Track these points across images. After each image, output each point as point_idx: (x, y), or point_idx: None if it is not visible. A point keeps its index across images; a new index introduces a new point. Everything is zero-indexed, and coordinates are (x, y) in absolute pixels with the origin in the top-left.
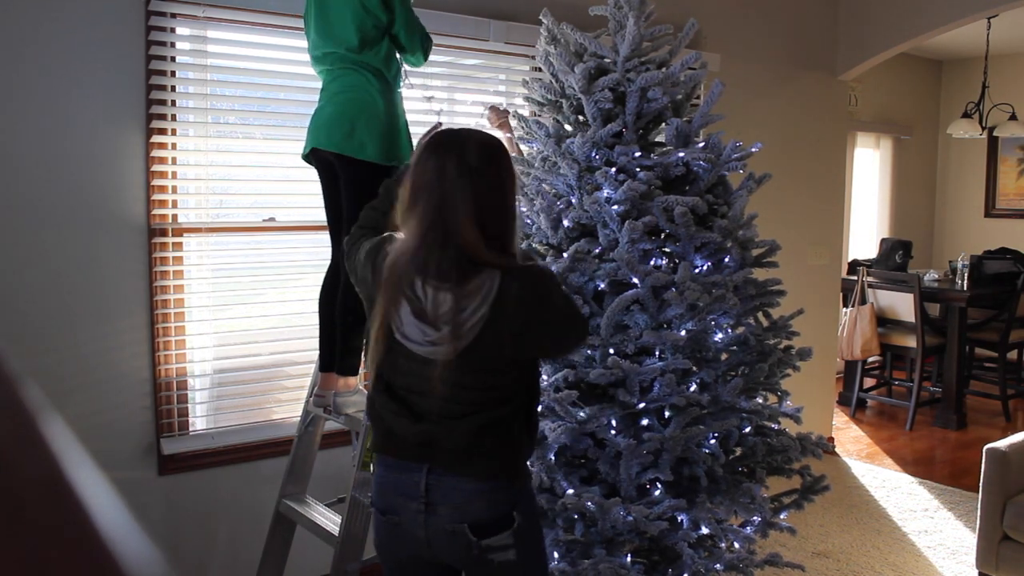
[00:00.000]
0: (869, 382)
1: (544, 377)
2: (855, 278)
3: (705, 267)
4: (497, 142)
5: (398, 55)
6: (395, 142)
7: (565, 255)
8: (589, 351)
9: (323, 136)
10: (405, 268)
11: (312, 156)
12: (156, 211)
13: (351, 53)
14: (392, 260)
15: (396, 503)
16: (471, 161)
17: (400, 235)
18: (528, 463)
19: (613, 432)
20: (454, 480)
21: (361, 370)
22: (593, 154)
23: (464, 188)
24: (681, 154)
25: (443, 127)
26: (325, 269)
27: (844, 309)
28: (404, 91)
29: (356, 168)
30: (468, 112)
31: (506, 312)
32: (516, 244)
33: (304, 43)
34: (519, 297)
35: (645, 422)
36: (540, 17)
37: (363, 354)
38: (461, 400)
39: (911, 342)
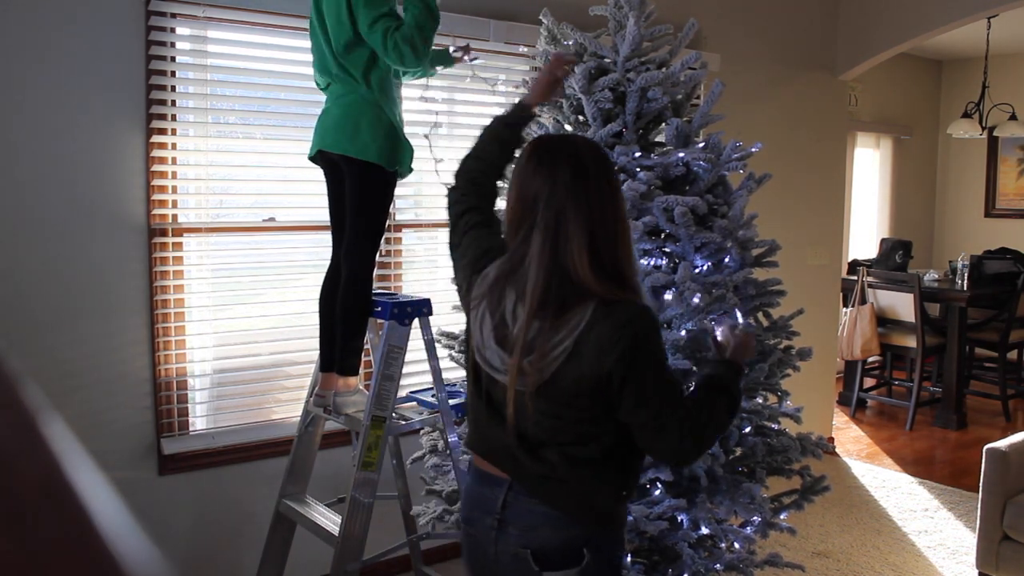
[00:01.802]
0: (869, 382)
1: None
2: (855, 278)
3: (705, 267)
4: (606, 154)
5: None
6: (396, 147)
7: None
8: None
9: (329, 138)
10: (502, 290)
11: (319, 158)
12: (156, 211)
13: (342, 60)
14: (493, 280)
15: (474, 516)
16: (584, 176)
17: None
18: (620, 509)
19: None
20: (529, 502)
21: (361, 370)
22: None
23: (577, 209)
24: (681, 154)
25: (543, 133)
26: (325, 269)
27: (844, 309)
28: (405, 90)
29: (361, 169)
30: (468, 112)
31: (589, 348)
32: (635, 275)
33: (305, 43)
34: (603, 334)
35: None
36: (540, 17)
37: (363, 354)
38: (542, 426)
39: (911, 342)
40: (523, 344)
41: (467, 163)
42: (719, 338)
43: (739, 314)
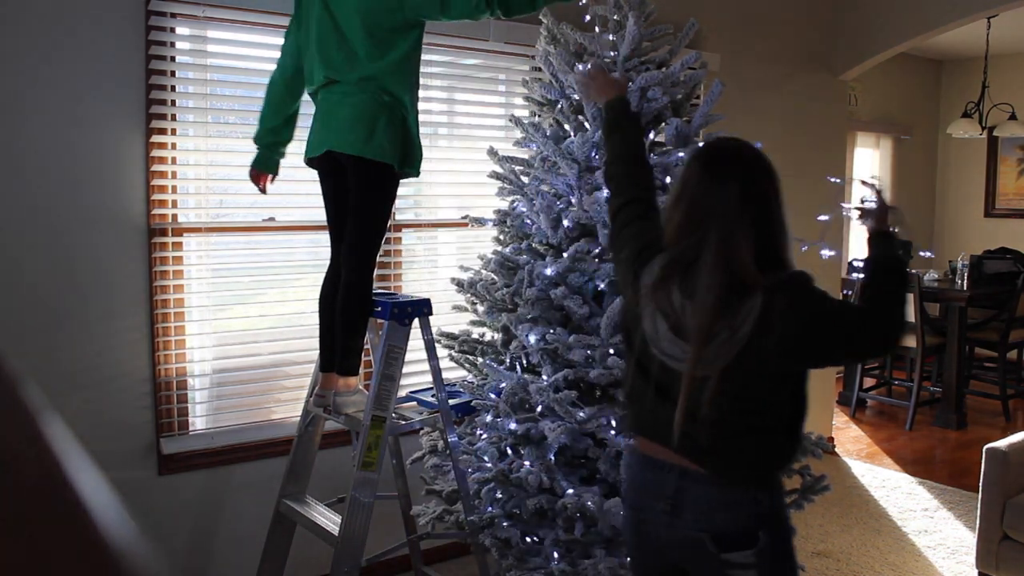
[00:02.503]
0: (869, 382)
1: (544, 377)
2: (855, 278)
3: None
4: (769, 160)
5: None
6: (409, 150)
7: (565, 255)
8: (589, 351)
9: (341, 139)
10: (670, 287)
11: (321, 158)
12: (156, 211)
13: (370, 54)
14: (659, 277)
15: (644, 502)
16: (754, 189)
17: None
18: (782, 480)
19: (613, 432)
20: (703, 487)
21: (361, 370)
22: (593, 154)
23: (747, 219)
24: (681, 154)
25: (714, 137)
26: (325, 269)
27: None
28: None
29: (372, 170)
30: (468, 112)
31: (772, 329)
32: (790, 252)
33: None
34: (784, 313)
35: None
36: (540, 17)
37: (363, 354)
38: (720, 407)
39: (911, 342)
40: (705, 333)
41: (610, 169)
42: (857, 217)
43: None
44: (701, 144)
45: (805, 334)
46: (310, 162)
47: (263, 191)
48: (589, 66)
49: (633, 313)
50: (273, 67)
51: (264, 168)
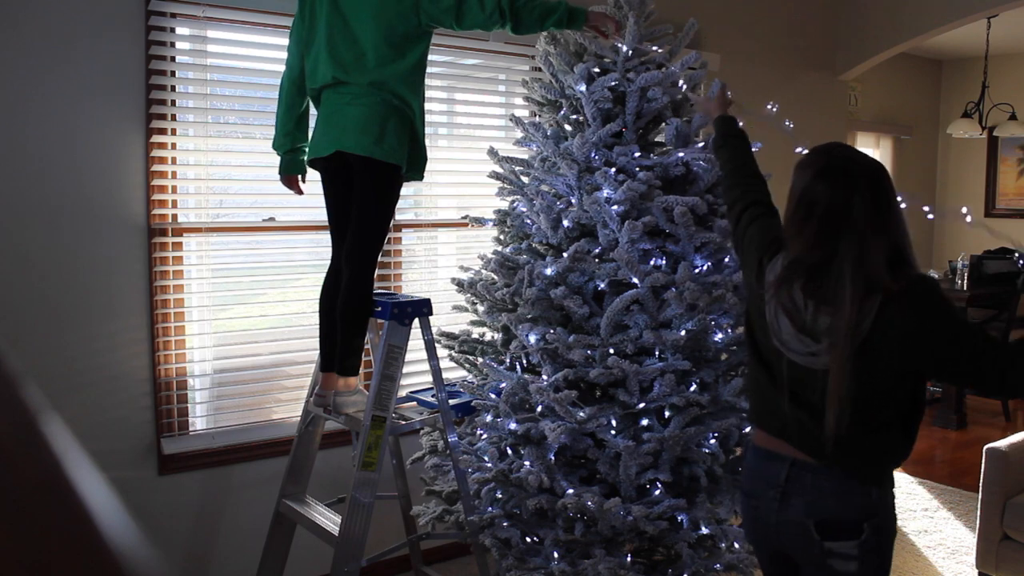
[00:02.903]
0: None
1: (544, 377)
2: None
3: (705, 267)
4: (884, 167)
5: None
6: (416, 154)
7: (565, 255)
8: (589, 351)
9: (352, 139)
10: (792, 287)
11: (326, 159)
12: (156, 211)
13: (381, 56)
14: (781, 277)
15: (757, 488)
16: (882, 197)
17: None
18: (892, 477)
19: (613, 432)
20: (814, 476)
21: (361, 370)
22: (593, 154)
23: (878, 226)
24: (681, 154)
25: (822, 146)
26: (325, 269)
27: None
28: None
29: (381, 172)
30: (468, 112)
31: (894, 328)
32: (913, 251)
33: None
34: (905, 315)
35: (645, 422)
36: None
37: (363, 355)
38: (842, 402)
39: None
40: (844, 336)
41: (727, 180)
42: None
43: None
44: (811, 154)
45: (920, 338)
46: (314, 162)
47: (299, 192)
48: (717, 85)
49: (756, 306)
50: (273, 67)
51: (292, 171)
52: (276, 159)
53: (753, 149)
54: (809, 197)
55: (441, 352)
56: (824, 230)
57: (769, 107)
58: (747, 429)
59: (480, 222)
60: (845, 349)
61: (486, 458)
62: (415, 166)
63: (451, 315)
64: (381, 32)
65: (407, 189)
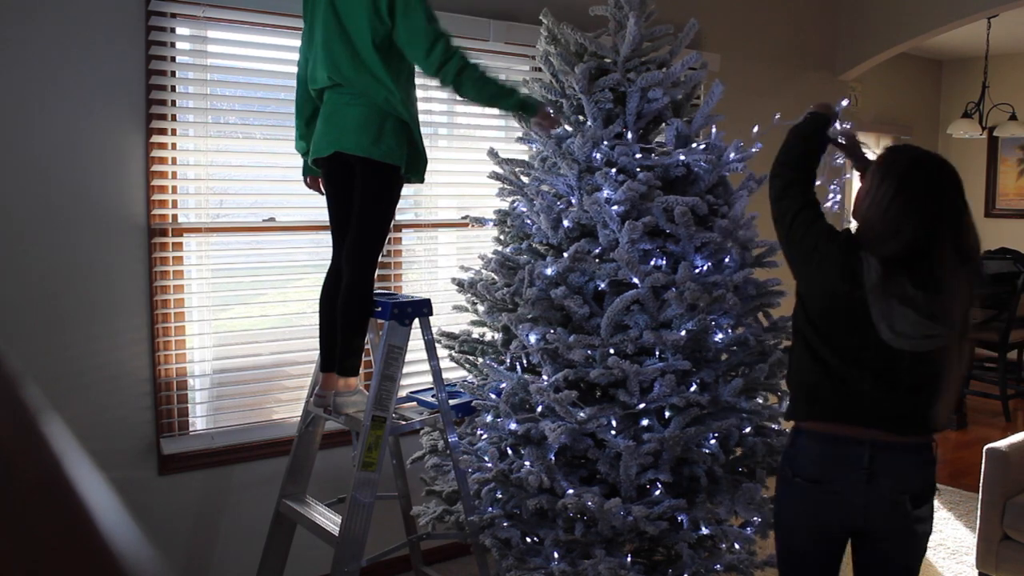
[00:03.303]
0: None
1: (544, 377)
2: None
3: (705, 267)
4: (949, 163)
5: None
6: (415, 155)
7: (565, 255)
8: (589, 351)
9: (350, 140)
10: (902, 281)
11: (329, 159)
12: (156, 211)
13: (369, 57)
14: (888, 273)
15: (835, 475)
16: (960, 191)
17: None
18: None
19: (613, 432)
20: (898, 453)
21: (361, 370)
22: (593, 154)
23: (960, 218)
24: (681, 155)
25: (901, 148)
26: (325, 269)
27: None
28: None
29: (380, 172)
30: (468, 112)
31: (972, 304)
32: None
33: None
34: (976, 290)
35: (645, 422)
36: (540, 17)
37: (363, 355)
38: (923, 376)
39: None
40: (961, 316)
41: (786, 170)
42: None
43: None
44: (892, 158)
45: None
46: (315, 163)
47: (322, 193)
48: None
49: (837, 304)
50: (273, 67)
51: (312, 172)
52: (276, 159)
53: (753, 150)
54: (901, 201)
55: (441, 352)
56: (921, 228)
57: (776, 118)
58: (747, 429)
59: (480, 222)
60: (964, 329)
61: (486, 458)
62: (414, 168)
63: (451, 315)
64: (369, 34)
65: (407, 190)
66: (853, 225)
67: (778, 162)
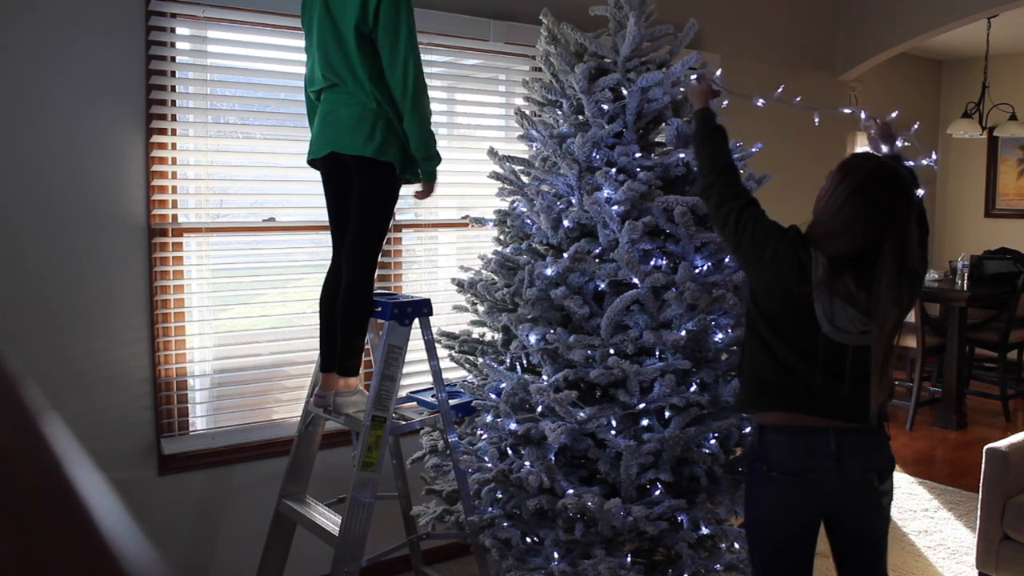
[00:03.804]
0: None
1: (544, 377)
2: None
3: (705, 267)
4: (912, 172)
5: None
6: (408, 156)
7: (565, 255)
8: (589, 351)
9: (344, 140)
10: (845, 279)
11: (325, 159)
12: (156, 211)
13: (355, 58)
14: (833, 270)
15: (808, 464)
16: (916, 198)
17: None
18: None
19: (613, 432)
20: (860, 437)
21: (361, 370)
22: (593, 154)
23: (913, 222)
24: (681, 154)
25: (857, 155)
26: (326, 269)
27: None
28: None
29: (375, 170)
30: (468, 112)
31: (912, 301)
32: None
33: (303, 43)
34: (915, 287)
35: (645, 422)
36: (540, 17)
37: (363, 355)
38: (865, 367)
39: (911, 342)
40: (894, 314)
41: (711, 176)
42: None
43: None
44: (851, 165)
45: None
46: (313, 163)
47: None
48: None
49: (791, 299)
50: (273, 67)
51: None
52: (276, 159)
53: (753, 150)
54: (854, 203)
55: (441, 352)
56: (868, 231)
57: (778, 92)
58: (747, 429)
59: (480, 222)
60: (896, 326)
61: (486, 458)
62: (410, 167)
63: (451, 315)
64: (357, 34)
65: (407, 190)
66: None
67: (701, 178)
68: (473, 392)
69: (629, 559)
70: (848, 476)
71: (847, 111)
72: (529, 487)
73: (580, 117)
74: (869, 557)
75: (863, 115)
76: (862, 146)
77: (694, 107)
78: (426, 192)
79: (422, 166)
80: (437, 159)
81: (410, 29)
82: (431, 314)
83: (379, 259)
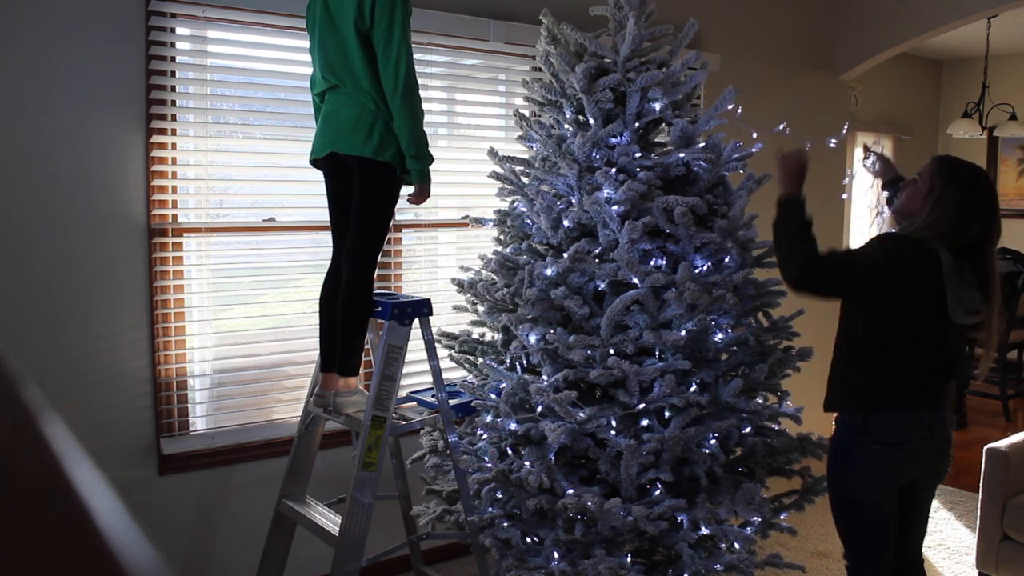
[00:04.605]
0: None
1: (544, 377)
2: None
3: (705, 267)
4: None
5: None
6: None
7: (565, 255)
8: (589, 351)
9: (344, 140)
10: (965, 272)
11: (326, 160)
12: (156, 211)
13: (354, 59)
14: (956, 266)
15: (908, 436)
16: (998, 207)
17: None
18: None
19: (613, 432)
20: (941, 414)
21: (361, 370)
22: (593, 154)
23: (999, 228)
24: (681, 154)
25: (948, 156)
26: (325, 269)
27: None
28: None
29: (375, 170)
30: (468, 112)
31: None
32: None
33: (305, 43)
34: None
35: (645, 422)
36: (540, 17)
37: (363, 355)
38: (953, 353)
39: None
40: (996, 297)
41: (812, 257)
42: None
43: None
44: (954, 166)
45: None
46: (315, 163)
47: None
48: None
49: (925, 297)
50: (273, 67)
51: None
52: (276, 159)
53: (753, 150)
54: (971, 201)
55: (441, 352)
56: (983, 222)
57: (781, 127)
58: (747, 429)
59: (480, 222)
60: (1000, 309)
61: (486, 458)
62: (405, 171)
63: (451, 315)
64: (357, 34)
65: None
66: (881, 223)
67: (797, 268)
68: (473, 392)
69: (629, 559)
70: (936, 444)
71: (864, 166)
72: (529, 487)
73: (580, 117)
74: (928, 507)
75: (868, 162)
76: (862, 147)
77: (781, 186)
78: (420, 196)
79: (411, 165)
80: (428, 159)
81: (404, 28)
82: (431, 314)
83: (379, 259)
